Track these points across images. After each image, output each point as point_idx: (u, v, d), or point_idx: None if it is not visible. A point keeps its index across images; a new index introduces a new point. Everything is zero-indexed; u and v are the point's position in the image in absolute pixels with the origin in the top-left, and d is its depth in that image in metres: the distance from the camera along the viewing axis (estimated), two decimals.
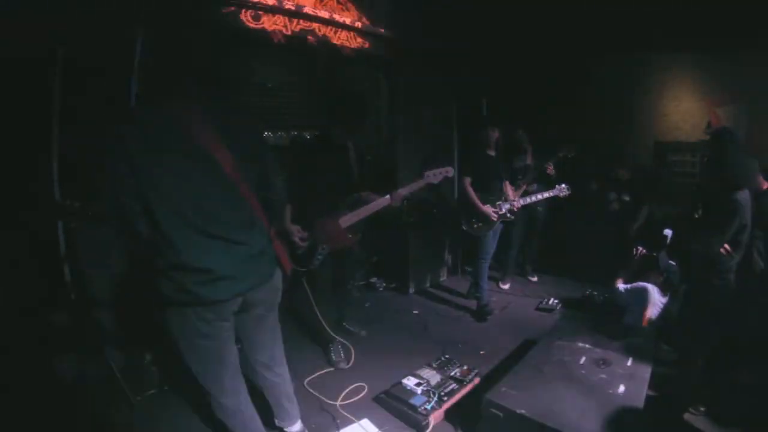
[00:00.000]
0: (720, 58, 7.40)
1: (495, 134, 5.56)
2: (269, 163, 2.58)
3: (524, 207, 5.92)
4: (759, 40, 6.16)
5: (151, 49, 3.69)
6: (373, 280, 6.58)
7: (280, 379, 2.92)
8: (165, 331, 2.39)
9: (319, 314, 4.08)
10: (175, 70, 2.32)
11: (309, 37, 5.52)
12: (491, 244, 5.62)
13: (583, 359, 3.52)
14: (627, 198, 7.02)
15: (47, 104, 3.46)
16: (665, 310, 4.64)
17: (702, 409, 3.56)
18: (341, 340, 4.40)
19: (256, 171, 2.48)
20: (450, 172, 4.19)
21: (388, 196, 4.08)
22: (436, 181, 4.17)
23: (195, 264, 2.22)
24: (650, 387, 3.54)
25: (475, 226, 5.49)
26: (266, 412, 2.97)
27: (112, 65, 3.71)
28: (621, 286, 4.90)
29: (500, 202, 5.46)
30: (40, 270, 3.50)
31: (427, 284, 6.71)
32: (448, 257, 7.24)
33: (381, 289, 6.49)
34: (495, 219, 5.40)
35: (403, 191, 4.13)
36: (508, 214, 5.52)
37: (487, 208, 5.35)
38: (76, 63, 3.49)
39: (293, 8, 5.24)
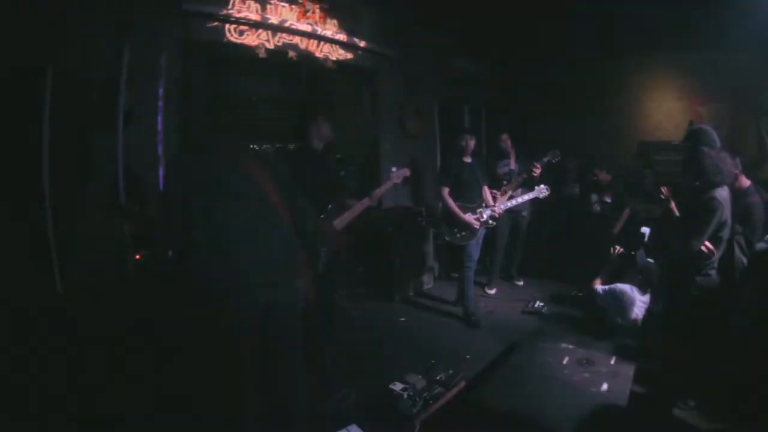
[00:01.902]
0: (702, 58, 7.55)
1: (470, 141, 5.58)
2: (296, 190, 2.99)
3: (508, 213, 5.99)
4: (738, 41, 6.27)
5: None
6: (360, 289, 6.60)
7: (295, 387, 2.96)
8: (194, 328, 2.67)
9: (313, 322, 4.12)
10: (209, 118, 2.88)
11: (291, 52, 5.60)
12: (475, 251, 5.66)
13: (566, 360, 3.59)
14: (608, 200, 7.11)
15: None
16: (648, 309, 4.71)
17: (691, 403, 3.63)
18: (329, 348, 4.45)
19: (288, 195, 2.87)
20: (407, 172, 4.60)
21: (366, 199, 4.38)
22: (398, 181, 4.55)
23: (226, 258, 2.52)
24: (639, 384, 3.67)
25: (458, 235, 5.53)
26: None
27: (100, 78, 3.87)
28: (599, 287, 4.97)
29: (481, 209, 5.52)
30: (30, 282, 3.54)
31: (413, 292, 6.75)
32: (434, 265, 7.28)
33: (367, 298, 6.51)
34: (477, 227, 5.46)
35: (378, 192, 4.51)
36: (490, 221, 5.57)
37: (468, 217, 5.40)
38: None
39: (276, 23, 5.33)
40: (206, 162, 2.63)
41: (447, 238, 5.64)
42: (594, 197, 7.29)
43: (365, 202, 4.39)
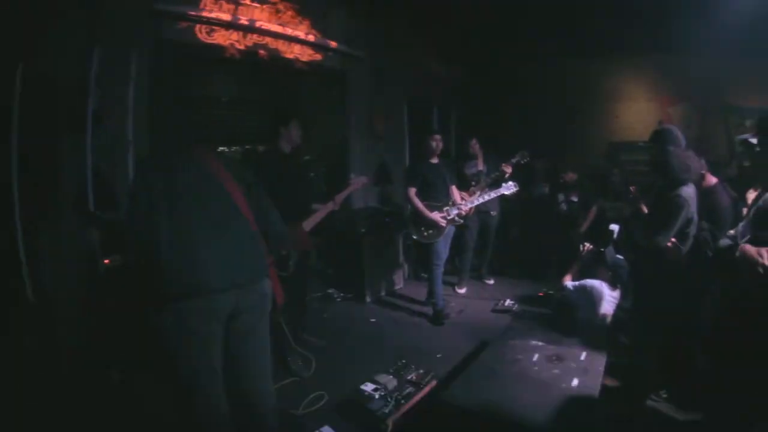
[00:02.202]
0: (671, 59, 7.69)
1: (438, 142, 5.62)
2: (261, 192, 2.96)
3: (477, 213, 6.02)
4: (706, 43, 6.39)
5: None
6: (330, 290, 6.60)
7: (268, 396, 2.93)
8: (158, 333, 2.53)
9: (284, 324, 4.12)
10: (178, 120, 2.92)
11: (261, 51, 5.54)
12: (443, 250, 5.70)
13: (536, 356, 3.61)
14: (575, 199, 7.21)
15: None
16: (618, 305, 4.78)
17: (664, 395, 3.72)
18: (301, 350, 4.44)
19: (254, 198, 2.86)
20: (365, 179, 5.00)
21: (330, 203, 4.50)
22: (357, 187, 4.81)
23: (192, 260, 2.47)
24: (612, 378, 3.76)
25: (426, 234, 5.55)
26: None
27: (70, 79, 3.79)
28: (569, 283, 5.02)
29: (448, 207, 5.55)
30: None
31: (384, 292, 6.75)
32: (403, 264, 7.29)
33: (338, 299, 6.51)
34: (444, 225, 5.49)
35: (339, 197, 4.56)
36: (457, 218, 5.61)
37: (435, 215, 5.44)
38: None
39: (247, 23, 5.27)
40: (173, 163, 2.61)
41: (414, 237, 5.67)
42: (561, 197, 7.40)
43: (329, 206, 4.49)
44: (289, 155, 4.39)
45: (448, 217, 5.52)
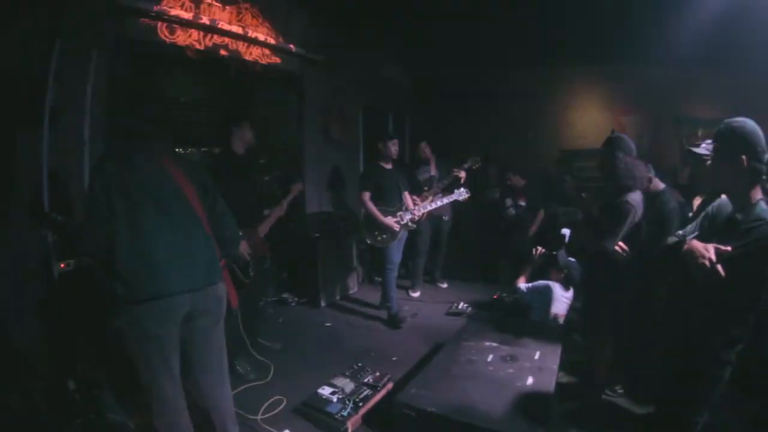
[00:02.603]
0: (624, 69, 7.94)
1: (392, 146, 5.69)
2: (217, 195, 2.97)
3: (430, 217, 6.11)
4: (659, 54, 6.63)
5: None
6: (285, 295, 6.56)
7: (226, 400, 2.95)
8: (116, 338, 2.54)
9: (242, 330, 4.10)
10: (137, 119, 2.88)
11: (221, 52, 5.50)
12: (396, 254, 5.78)
13: (490, 357, 3.69)
14: (522, 203, 7.38)
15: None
16: (571, 305, 4.93)
17: (620, 390, 3.92)
18: (259, 357, 4.44)
19: (209, 200, 2.89)
20: (300, 186, 5.06)
21: (278, 207, 4.62)
22: (299, 190, 4.98)
23: (149, 262, 2.49)
24: (569, 375, 3.96)
25: (379, 238, 5.61)
26: None
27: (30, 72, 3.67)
28: (522, 285, 5.14)
29: (401, 213, 5.63)
30: None
31: (338, 297, 6.77)
32: (358, 269, 7.33)
33: (293, 304, 6.49)
34: (398, 229, 5.57)
35: (285, 201, 4.70)
36: (410, 223, 5.70)
37: (389, 220, 5.51)
38: None
39: (208, 23, 5.21)
40: (131, 163, 2.59)
41: (368, 241, 5.72)
42: (509, 201, 7.58)
43: (278, 211, 4.61)
44: (243, 157, 4.39)
45: (402, 222, 5.60)
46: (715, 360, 2.38)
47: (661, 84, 7.73)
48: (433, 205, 5.93)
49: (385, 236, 5.60)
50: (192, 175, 2.82)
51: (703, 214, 2.65)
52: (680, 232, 2.69)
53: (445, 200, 5.97)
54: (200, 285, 2.66)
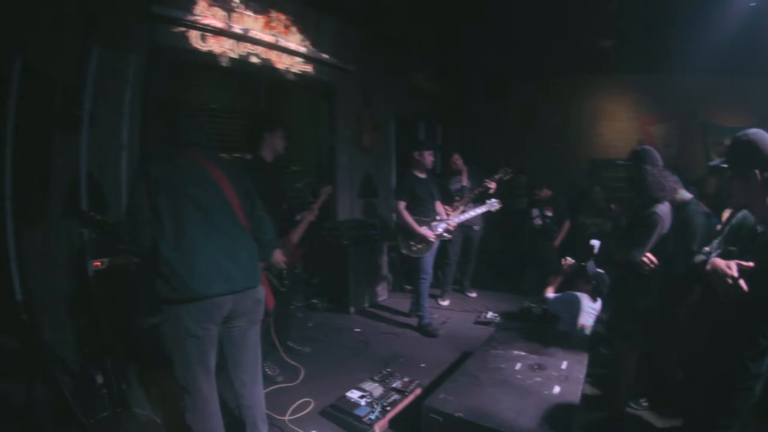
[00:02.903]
0: (652, 79, 7.89)
1: (428, 156, 5.72)
2: (256, 199, 3.03)
3: (461, 226, 6.11)
4: (686, 63, 6.58)
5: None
6: (315, 300, 6.63)
7: (257, 399, 3.02)
8: (157, 335, 2.63)
9: (273, 333, 4.19)
10: (179, 123, 2.90)
11: (253, 61, 5.61)
12: (430, 264, 5.77)
13: (518, 365, 3.69)
14: (549, 214, 7.35)
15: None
16: (599, 316, 4.89)
17: (644, 403, 3.87)
18: (289, 360, 4.50)
19: (249, 204, 2.94)
20: (329, 189, 5.01)
21: (310, 213, 4.64)
22: (328, 193, 4.96)
23: (192, 263, 2.54)
24: (594, 387, 3.95)
25: (414, 248, 5.62)
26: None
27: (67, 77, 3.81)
28: (550, 295, 5.12)
29: (435, 223, 5.65)
30: None
31: (368, 303, 6.82)
32: (388, 276, 7.36)
33: (322, 309, 6.55)
34: (433, 240, 5.57)
35: (316, 205, 4.72)
36: (445, 234, 5.71)
37: (424, 230, 5.51)
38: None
39: (240, 32, 5.34)
40: (174, 167, 2.67)
41: (403, 251, 5.73)
42: (535, 212, 7.56)
43: (309, 216, 4.63)
44: (272, 164, 4.41)
45: (436, 232, 5.61)
46: (745, 373, 2.33)
47: (688, 92, 7.70)
48: (466, 216, 5.93)
49: (420, 246, 5.61)
50: (233, 179, 2.88)
51: (728, 227, 2.63)
52: (707, 248, 2.68)
53: (478, 210, 5.95)
54: (241, 288, 2.71)
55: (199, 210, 2.64)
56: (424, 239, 5.55)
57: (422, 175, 5.75)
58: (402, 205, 5.57)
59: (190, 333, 2.54)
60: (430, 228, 5.60)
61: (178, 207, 2.58)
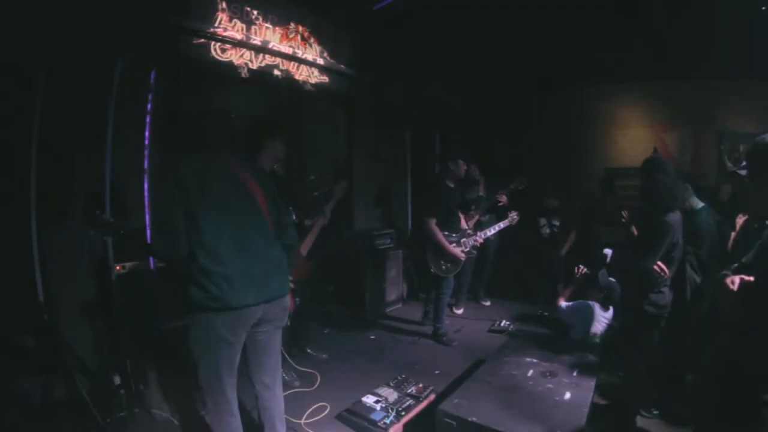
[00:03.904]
0: (666, 86, 7.89)
1: (463, 166, 5.70)
2: (283, 207, 3.06)
3: None
4: (702, 70, 6.60)
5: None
6: (331, 308, 6.71)
7: (277, 401, 3.07)
8: (186, 339, 2.67)
9: (290, 340, 4.33)
10: (211, 131, 2.89)
11: (272, 73, 5.73)
12: (452, 281, 5.80)
13: (530, 372, 3.74)
14: (557, 223, 7.39)
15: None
16: (610, 325, 4.93)
17: (655, 411, 3.90)
18: (304, 368, 4.60)
19: (276, 211, 2.97)
20: (344, 185, 4.96)
21: (322, 217, 4.63)
22: (344, 190, 4.93)
23: (228, 272, 2.57)
24: (603, 396, 3.98)
25: (444, 267, 5.55)
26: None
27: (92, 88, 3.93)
28: (563, 303, 5.16)
29: (464, 239, 5.63)
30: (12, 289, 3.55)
31: (383, 311, 6.89)
32: (402, 285, 7.42)
33: (338, 316, 6.62)
34: (463, 259, 5.56)
35: (328, 207, 4.69)
36: (473, 250, 5.78)
37: (455, 249, 5.45)
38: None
39: (259, 43, 5.48)
40: (207, 174, 2.68)
41: (432, 270, 5.57)
42: (543, 221, 7.61)
43: (321, 221, 4.63)
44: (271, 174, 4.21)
45: (465, 250, 5.60)
46: (761, 386, 2.21)
47: (702, 99, 7.69)
48: (492, 231, 5.88)
49: (449, 265, 5.55)
50: (263, 185, 2.92)
51: (760, 241, 2.51)
52: (743, 260, 2.59)
53: (502, 225, 5.89)
54: (272, 297, 2.78)
55: (233, 217, 2.68)
56: (454, 259, 5.50)
57: (452, 185, 5.71)
58: (432, 222, 5.43)
59: (221, 339, 2.60)
60: (461, 246, 5.57)
61: (212, 214, 2.61)
